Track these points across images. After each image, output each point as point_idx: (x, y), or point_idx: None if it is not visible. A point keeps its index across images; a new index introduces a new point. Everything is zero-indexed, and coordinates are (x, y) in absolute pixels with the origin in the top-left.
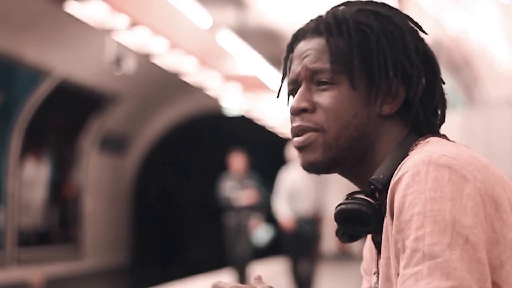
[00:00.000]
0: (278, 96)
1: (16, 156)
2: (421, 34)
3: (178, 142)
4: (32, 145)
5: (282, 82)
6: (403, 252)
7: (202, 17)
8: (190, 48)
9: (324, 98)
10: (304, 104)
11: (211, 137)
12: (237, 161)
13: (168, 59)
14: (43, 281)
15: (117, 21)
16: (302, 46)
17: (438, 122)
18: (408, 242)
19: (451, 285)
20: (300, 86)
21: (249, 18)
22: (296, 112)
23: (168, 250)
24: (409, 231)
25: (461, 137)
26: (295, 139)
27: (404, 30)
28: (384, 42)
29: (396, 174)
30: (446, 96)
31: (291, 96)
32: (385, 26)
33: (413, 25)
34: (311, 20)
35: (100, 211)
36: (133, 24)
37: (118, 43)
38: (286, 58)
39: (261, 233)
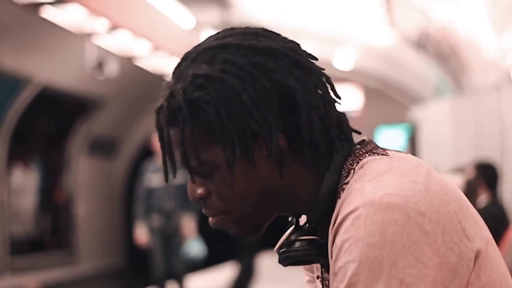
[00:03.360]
0: None
1: (3, 164)
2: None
3: None
4: (19, 153)
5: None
6: None
7: (185, 18)
8: (173, 49)
9: (211, 184)
10: (199, 192)
11: None
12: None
13: (152, 61)
14: None
15: (97, 25)
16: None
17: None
18: (340, 286)
19: None
20: None
21: (233, 17)
22: (195, 201)
23: None
24: (343, 276)
25: (450, 123)
26: (209, 220)
27: (238, 88)
28: (224, 114)
29: (338, 214)
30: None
31: None
32: (220, 92)
33: (260, 51)
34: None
35: (92, 215)
36: (114, 27)
37: (99, 47)
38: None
39: (195, 244)
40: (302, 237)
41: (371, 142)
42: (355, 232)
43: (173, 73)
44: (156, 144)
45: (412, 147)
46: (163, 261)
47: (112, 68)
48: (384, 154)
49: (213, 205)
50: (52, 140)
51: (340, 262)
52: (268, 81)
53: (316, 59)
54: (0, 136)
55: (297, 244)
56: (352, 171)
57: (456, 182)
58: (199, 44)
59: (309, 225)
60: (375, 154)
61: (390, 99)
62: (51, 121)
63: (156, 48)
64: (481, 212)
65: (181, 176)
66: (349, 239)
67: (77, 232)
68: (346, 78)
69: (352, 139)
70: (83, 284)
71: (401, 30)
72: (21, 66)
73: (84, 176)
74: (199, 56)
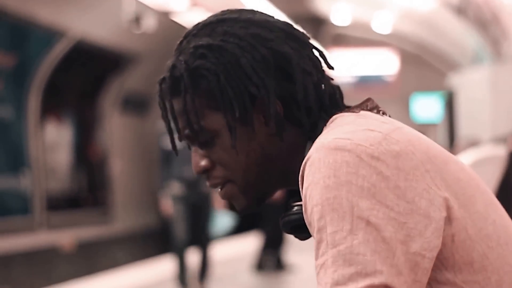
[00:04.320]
0: None
1: (36, 118)
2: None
3: None
4: (52, 106)
5: (170, 135)
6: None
7: None
8: (211, 6)
9: (214, 154)
10: (202, 164)
11: None
12: None
13: (189, 17)
14: (73, 245)
15: None
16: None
17: (329, 97)
18: (314, 235)
19: (355, 270)
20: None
21: None
22: (199, 174)
23: None
24: (314, 223)
25: (489, 91)
26: (218, 192)
27: (237, 54)
28: (223, 80)
29: None
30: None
31: None
32: (220, 59)
33: (257, 23)
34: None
35: (127, 173)
36: None
37: (137, 1)
38: (162, 115)
39: (224, 216)
40: (298, 202)
41: (363, 103)
42: (312, 177)
43: (176, 50)
44: None
45: (449, 115)
46: (184, 231)
47: (149, 23)
48: (354, 112)
49: (217, 174)
50: (85, 95)
51: (308, 209)
52: (265, 49)
53: (309, 38)
54: (33, 89)
55: (294, 209)
56: (324, 129)
57: (499, 153)
58: (199, 22)
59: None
60: (347, 112)
61: (427, 65)
62: (85, 76)
63: (194, 4)
64: None
65: None
66: (309, 186)
67: (112, 190)
68: (383, 41)
69: (333, 102)
70: (117, 242)
71: None
72: (56, 18)
73: (118, 133)
74: (200, 31)
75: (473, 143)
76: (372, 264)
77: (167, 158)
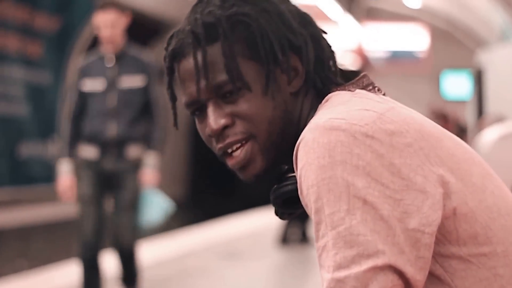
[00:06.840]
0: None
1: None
2: None
3: None
4: None
5: (174, 108)
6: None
7: None
8: None
9: (239, 107)
10: (223, 121)
11: None
12: (107, 24)
13: None
14: None
15: None
16: (186, 64)
17: (334, 70)
18: (312, 216)
19: (357, 251)
20: (202, 105)
21: None
22: (218, 133)
23: (226, 183)
24: (310, 205)
25: None
26: (231, 161)
27: (275, 1)
28: (264, 24)
29: None
30: (333, 46)
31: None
32: (257, 6)
33: None
34: (180, 32)
35: None
36: None
37: None
38: (170, 82)
39: (157, 197)
40: (291, 174)
41: (359, 80)
42: (307, 157)
43: (191, 11)
44: (100, 26)
45: (478, 92)
46: (94, 221)
47: None
48: (350, 90)
49: (238, 130)
50: None
51: (304, 190)
52: (293, 7)
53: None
54: (74, 54)
55: (288, 181)
56: (319, 107)
57: None
58: None
59: None
60: (343, 90)
61: (456, 42)
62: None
63: None
64: None
65: (131, 78)
66: (304, 166)
67: None
68: (414, 16)
69: (335, 78)
70: None
71: None
72: None
73: None
74: None
75: (499, 119)
76: (373, 244)
77: (82, 108)
